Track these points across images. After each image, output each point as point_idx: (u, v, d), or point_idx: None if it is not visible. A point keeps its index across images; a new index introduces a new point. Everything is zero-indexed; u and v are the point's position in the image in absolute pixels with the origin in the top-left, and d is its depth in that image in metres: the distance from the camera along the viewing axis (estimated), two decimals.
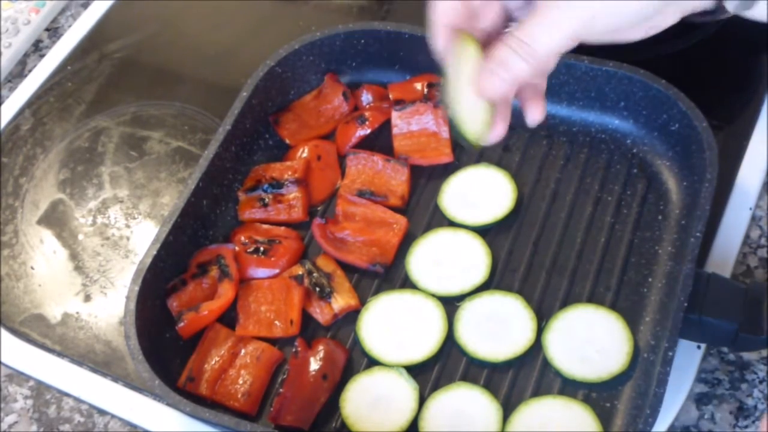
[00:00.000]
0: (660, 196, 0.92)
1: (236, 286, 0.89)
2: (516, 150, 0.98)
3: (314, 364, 0.84)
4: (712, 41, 1.04)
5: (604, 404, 0.81)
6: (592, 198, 0.93)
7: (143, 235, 0.98)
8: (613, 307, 0.86)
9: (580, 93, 0.97)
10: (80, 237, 0.99)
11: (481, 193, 0.94)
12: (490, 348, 0.84)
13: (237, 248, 0.91)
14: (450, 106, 0.68)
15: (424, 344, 0.85)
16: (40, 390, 0.90)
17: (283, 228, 0.94)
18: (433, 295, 0.88)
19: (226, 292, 0.88)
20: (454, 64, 0.66)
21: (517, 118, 0.76)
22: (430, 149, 0.97)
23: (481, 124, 0.68)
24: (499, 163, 0.97)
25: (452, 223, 0.93)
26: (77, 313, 0.93)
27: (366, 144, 0.99)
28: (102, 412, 0.88)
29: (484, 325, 0.86)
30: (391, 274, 0.91)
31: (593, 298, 0.87)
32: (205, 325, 0.87)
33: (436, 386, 0.84)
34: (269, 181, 0.96)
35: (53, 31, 1.20)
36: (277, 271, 0.91)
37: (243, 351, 0.86)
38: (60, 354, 0.91)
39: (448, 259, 0.90)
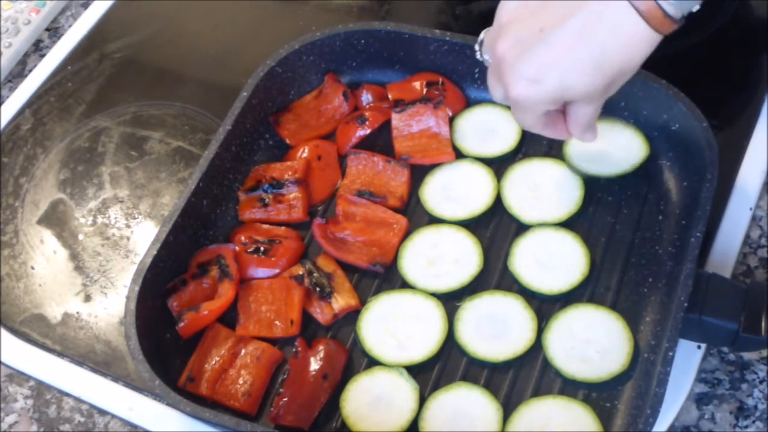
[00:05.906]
0: (660, 196, 0.92)
1: (236, 286, 0.89)
2: (517, 150, 0.98)
3: (314, 364, 0.84)
4: (712, 41, 1.04)
5: (604, 404, 0.81)
6: (592, 198, 0.93)
7: (143, 235, 0.98)
8: (613, 307, 0.86)
9: None
10: (80, 237, 0.99)
11: (467, 189, 0.95)
12: (490, 348, 0.84)
13: (237, 248, 0.91)
14: None
15: (424, 344, 0.85)
16: (41, 390, 0.90)
17: (283, 228, 0.94)
18: (435, 294, 0.88)
19: (226, 292, 0.88)
20: None
21: None
22: (432, 149, 0.97)
23: None
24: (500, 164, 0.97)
25: (454, 223, 0.93)
26: (77, 313, 0.93)
27: (366, 144, 0.99)
28: (102, 412, 0.88)
29: (484, 325, 0.86)
30: (391, 274, 0.91)
31: (593, 298, 0.87)
32: (205, 325, 0.87)
33: (436, 386, 0.84)
34: (269, 181, 0.96)
35: (53, 31, 1.20)
36: (277, 271, 0.91)
37: (243, 351, 0.86)
38: (60, 354, 0.91)
39: (439, 255, 0.90)
